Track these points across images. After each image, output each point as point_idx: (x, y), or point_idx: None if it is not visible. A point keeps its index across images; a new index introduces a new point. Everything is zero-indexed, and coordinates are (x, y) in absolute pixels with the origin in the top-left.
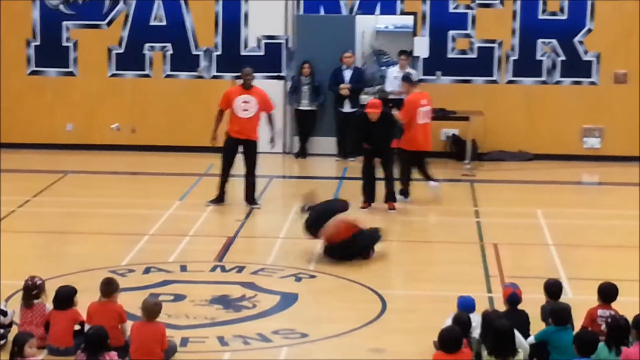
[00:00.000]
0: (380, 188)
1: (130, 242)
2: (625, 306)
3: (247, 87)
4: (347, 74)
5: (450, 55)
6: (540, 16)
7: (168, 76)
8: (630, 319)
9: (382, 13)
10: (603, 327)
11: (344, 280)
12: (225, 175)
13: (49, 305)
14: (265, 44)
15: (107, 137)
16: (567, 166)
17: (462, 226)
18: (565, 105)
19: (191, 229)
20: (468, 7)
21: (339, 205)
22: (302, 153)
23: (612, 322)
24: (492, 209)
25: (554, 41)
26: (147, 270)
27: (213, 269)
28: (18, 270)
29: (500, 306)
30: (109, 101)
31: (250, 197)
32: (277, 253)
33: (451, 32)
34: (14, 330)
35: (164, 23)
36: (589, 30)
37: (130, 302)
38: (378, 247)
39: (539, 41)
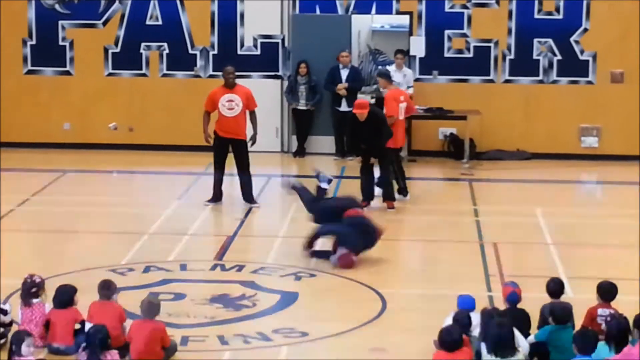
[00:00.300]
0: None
1: (130, 241)
2: (625, 305)
3: (230, 86)
4: (344, 73)
5: (446, 54)
6: (536, 16)
7: (164, 75)
8: (630, 318)
9: (378, 12)
10: (603, 326)
11: (344, 279)
12: (218, 174)
13: (49, 304)
14: (261, 43)
15: (105, 136)
16: (564, 165)
17: (461, 225)
18: (562, 104)
19: (190, 228)
20: (464, 6)
21: (348, 204)
22: (300, 152)
23: (612, 321)
24: (491, 207)
25: (550, 40)
26: (146, 269)
27: (213, 268)
28: (17, 269)
29: (500, 305)
30: (106, 100)
31: (248, 196)
32: (277, 252)
33: (447, 32)
34: (15, 329)
35: (160, 22)
36: (585, 30)
37: (130, 301)
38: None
39: (535, 41)
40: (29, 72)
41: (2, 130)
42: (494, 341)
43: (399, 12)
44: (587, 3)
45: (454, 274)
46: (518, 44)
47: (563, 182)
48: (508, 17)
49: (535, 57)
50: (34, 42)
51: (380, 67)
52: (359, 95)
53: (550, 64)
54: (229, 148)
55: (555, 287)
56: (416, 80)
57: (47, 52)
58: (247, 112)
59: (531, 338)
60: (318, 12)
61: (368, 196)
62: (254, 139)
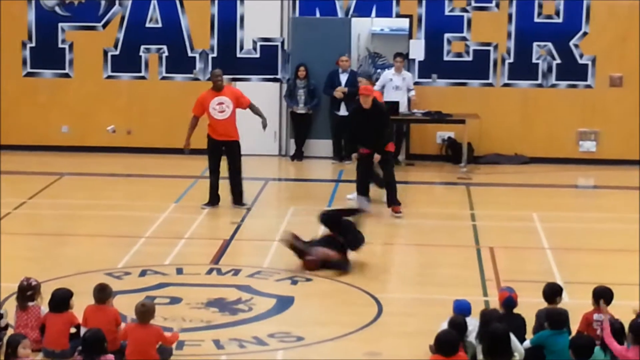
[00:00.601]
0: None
1: (126, 244)
2: (622, 310)
3: (218, 89)
4: (343, 78)
5: (446, 58)
6: (536, 19)
7: (164, 78)
8: (626, 323)
9: (377, 16)
10: (599, 331)
11: (340, 284)
12: (214, 177)
13: (45, 308)
14: (261, 46)
15: (103, 139)
16: (562, 169)
17: (458, 229)
18: (560, 108)
19: (187, 232)
20: (464, 10)
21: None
22: (298, 156)
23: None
24: (488, 212)
25: (550, 44)
26: (143, 273)
27: (209, 272)
28: (14, 273)
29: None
30: (105, 103)
31: (237, 198)
32: (273, 256)
33: (447, 35)
34: (10, 333)
35: (160, 25)
36: (585, 34)
37: (127, 304)
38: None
39: (535, 44)
40: (28, 74)
41: (1, 132)
42: (490, 346)
43: (398, 15)
44: (587, 7)
45: (450, 278)
46: (517, 48)
47: (561, 186)
48: (508, 21)
49: (534, 60)
50: (33, 44)
51: (379, 70)
52: None
53: (550, 68)
54: (222, 150)
55: (551, 292)
56: (415, 83)
57: (47, 54)
58: (244, 110)
59: (527, 343)
60: (318, 15)
61: (363, 191)
62: (264, 124)
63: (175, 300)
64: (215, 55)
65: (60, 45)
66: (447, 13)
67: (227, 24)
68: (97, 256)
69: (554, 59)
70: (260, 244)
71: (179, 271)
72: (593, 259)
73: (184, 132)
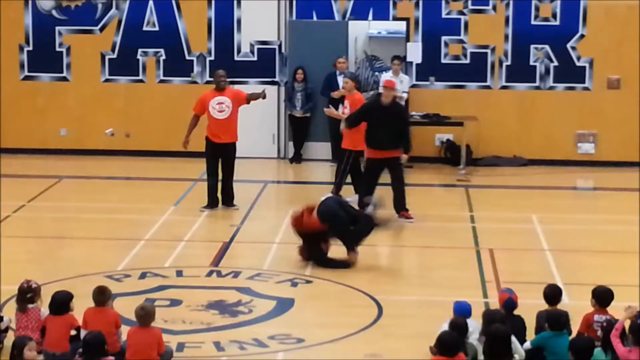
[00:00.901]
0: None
1: (126, 247)
2: (622, 311)
3: (220, 89)
4: (341, 80)
5: (443, 60)
6: (533, 22)
7: (161, 81)
8: (625, 325)
9: (374, 18)
10: (599, 332)
11: (340, 286)
12: (213, 180)
13: (45, 310)
14: (258, 49)
15: (101, 142)
16: (561, 171)
17: (458, 231)
18: (558, 110)
19: (187, 234)
20: (461, 12)
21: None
22: (297, 158)
23: (608, 327)
24: (488, 214)
25: (547, 47)
26: (143, 276)
27: (209, 274)
28: (14, 275)
29: None
30: (103, 106)
31: (227, 199)
32: (273, 258)
33: (444, 38)
34: (10, 336)
35: (157, 28)
36: (582, 36)
37: (127, 307)
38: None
39: (532, 47)
40: (26, 77)
41: None
42: (490, 347)
43: (395, 18)
44: (584, 9)
45: (450, 280)
46: (515, 50)
47: (559, 188)
48: (505, 23)
49: (532, 63)
50: (30, 48)
51: (377, 73)
52: None
53: (547, 70)
54: (221, 153)
55: (552, 294)
56: (413, 86)
57: (44, 58)
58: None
59: (527, 344)
60: (315, 18)
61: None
62: (264, 94)
63: (175, 303)
64: (212, 58)
65: (57, 49)
66: (444, 16)
67: (225, 27)
68: (96, 259)
69: (551, 61)
70: (259, 246)
71: (179, 273)
72: (592, 261)
73: (182, 134)
